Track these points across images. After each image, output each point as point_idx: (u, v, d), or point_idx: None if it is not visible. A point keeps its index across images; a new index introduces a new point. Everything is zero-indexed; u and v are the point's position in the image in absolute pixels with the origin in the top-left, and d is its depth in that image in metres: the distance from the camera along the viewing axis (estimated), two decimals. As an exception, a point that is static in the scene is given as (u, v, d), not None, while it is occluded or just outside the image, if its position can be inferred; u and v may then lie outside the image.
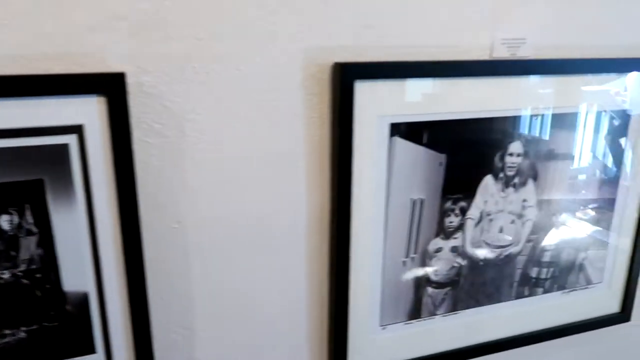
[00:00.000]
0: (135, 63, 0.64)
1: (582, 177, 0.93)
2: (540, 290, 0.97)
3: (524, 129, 0.85)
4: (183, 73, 0.67)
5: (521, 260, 0.94)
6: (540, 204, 0.91)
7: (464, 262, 0.89)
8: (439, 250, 0.86)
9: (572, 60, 0.85)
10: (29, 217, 0.63)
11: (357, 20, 0.73)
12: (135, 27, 0.63)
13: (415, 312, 0.89)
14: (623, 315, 1.07)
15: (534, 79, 0.83)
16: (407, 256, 0.84)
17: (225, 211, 0.74)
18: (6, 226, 0.62)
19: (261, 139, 0.73)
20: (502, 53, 0.82)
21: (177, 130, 0.68)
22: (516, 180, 0.88)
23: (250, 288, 0.79)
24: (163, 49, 0.65)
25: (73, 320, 0.68)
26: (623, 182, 0.97)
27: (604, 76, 0.88)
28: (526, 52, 0.84)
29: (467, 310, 0.92)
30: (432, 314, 0.90)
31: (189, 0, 0.64)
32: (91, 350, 0.71)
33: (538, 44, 0.84)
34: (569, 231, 0.96)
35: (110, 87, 0.61)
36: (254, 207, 0.75)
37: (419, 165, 0.80)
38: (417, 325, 0.89)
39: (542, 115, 0.86)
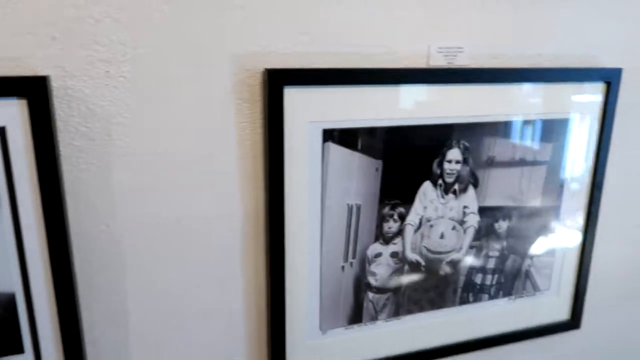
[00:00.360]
0: (61, 67, 0.65)
1: (524, 184, 0.94)
2: (485, 296, 0.98)
3: (462, 136, 0.86)
4: (108, 77, 0.68)
5: (464, 266, 0.94)
6: (482, 210, 0.92)
7: (405, 268, 0.89)
8: (378, 255, 0.87)
9: (509, 69, 0.87)
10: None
11: (291, 26, 0.74)
12: (61, 31, 0.64)
13: (357, 317, 0.89)
14: (573, 323, 1.07)
15: (470, 87, 0.84)
16: (345, 261, 0.85)
17: (155, 214, 0.75)
18: None
19: (191, 144, 0.74)
20: (439, 61, 0.83)
21: (104, 134, 0.69)
22: (456, 187, 0.89)
23: (184, 293, 0.79)
24: (88, 53, 0.66)
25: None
26: (567, 189, 0.98)
27: (541, 85, 0.89)
28: (463, 61, 0.85)
29: (410, 316, 0.93)
30: (374, 319, 0.90)
31: (115, 5, 0.65)
32: (19, 350, 0.71)
33: (475, 53, 0.85)
34: (514, 238, 0.96)
35: (31, 90, 0.62)
36: (185, 211, 0.76)
37: (355, 171, 0.81)
38: (359, 330, 0.90)
39: (481, 123, 0.87)
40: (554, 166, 0.95)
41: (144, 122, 0.71)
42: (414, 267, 0.90)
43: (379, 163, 0.82)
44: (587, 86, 0.94)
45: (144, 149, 0.72)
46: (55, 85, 0.66)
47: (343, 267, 0.85)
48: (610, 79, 0.94)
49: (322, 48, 0.76)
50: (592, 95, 0.94)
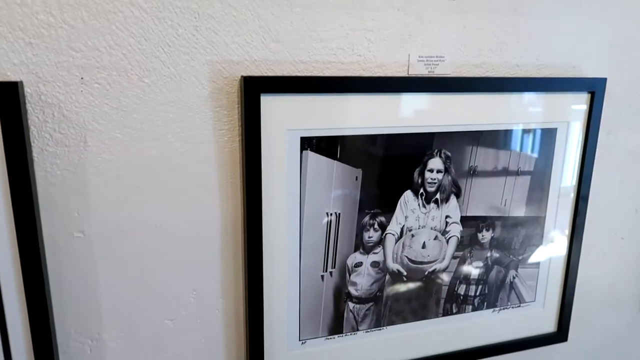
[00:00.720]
0: (35, 73, 0.65)
1: (508, 194, 0.93)
2: (469, 307, 0.97)
3: (443, 145, 0.86)
4: (83, 84, 0.67)
5: (447, 276, 0.93)
6: (465, 220, 0.91)
7: (386, 277, 0.89)
8: (358, 265, 0.86)
9: (490, 78, 0.86)
10: None
11: (267, 34, 0.74)
12: (35, 37, 0.64)
13: (337, 328, 0.88)
14: (560, 335, 1.06)
15: (452, 96, 0.84)
16: (325, 271, 0.84)
17: (132, 221, 0.74)
18: None
19: (168, 150, 0.73)
20: (419, 70, 0.83)
21: (79, 140, 0.69)
22: (438, 196, 0.88)
23: (161, 302, 0.78)
24: (62, 59, 0.66)
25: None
26: (552, 199, 0.97)
27: (524, 95, 0.89)
28: (445, 70, 0.85)
29: (392, 327, 0.92)
30: (355, 329, 0.89)
31: (90, 11, 0.65)
32: (-10, 359, 0.71)
33: (457, 61, 0.85)
34: (498, 248, 0.95)
35: (3, 96, 0.62)
36: (163, 218, 0.75)
37: (334, 179, 0.81)
38: (339, 340, 0.89)
39: (462, 132, 0.86)
40: (538, 176, 0.95)
41: (121, 129, 0.70)
42: (396, 277, 0.89)
43: (358, 171, 0.82)
44: (571, 96, 0.93)
45: (120, 155, 0.71)
46: (28, 91, 0.65)
47: (323, 277, 0.84)
48: (594, 89, 0.94)
49: (298, 56, 0.76)
50: (576, 105, 0.94)
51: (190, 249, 0.78)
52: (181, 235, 0.77)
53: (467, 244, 0.93)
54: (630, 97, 1.01)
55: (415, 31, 0.82)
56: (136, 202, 0.73)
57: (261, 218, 0.77)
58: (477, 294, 0.97)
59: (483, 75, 0.87)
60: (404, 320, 0.93)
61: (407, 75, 0.83)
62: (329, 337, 0.88)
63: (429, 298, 0.93)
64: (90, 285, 0.74)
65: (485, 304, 0.98)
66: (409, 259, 0.89)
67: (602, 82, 0.94)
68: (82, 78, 0.67)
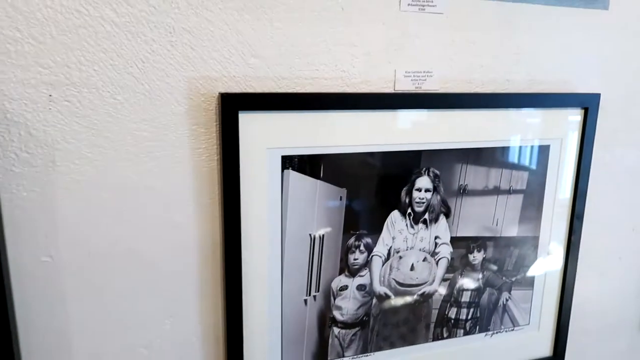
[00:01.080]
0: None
1: (500, 213, 0.90)
2: (460, 332, 0.93)
3: (431, 163, 0.83)
4: (52, 101, 0.64)
5: (437, 299, 0.90)
6: (455, 241, 0.88)
7: (373, 301, 0.85)
8: (344, 288, 0.83)
9: (480, 94, 0.84)
10: None
11: (247, 49, 0.71)
12: (0, 53, 0.61)
13: (322, 354, 0.84)
14: (556, 359, 1.02)
15: (440, 113, 0.81)
16: (308, 294, 0.81)
17: (104, 244, 0.71)
18: None
19: (142, 170, 0.70)
20: (406, 86, 0.80)
21: (47, 160, 0.66)
22: (426, 216, 0.85)
23: (135, 330, 0.75)
24: (30, 76, 0.63)
25: None
26: (546, 218, 0.94)
27: (515, 111, 0.86)
28: (432, 86, 0.82)
29: (379, 352, 0.88)
30: (340, 355, 0.85)
31: (59, 26, 0.63)
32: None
33: (445, 77, 0.82)
34: (490, 270, 0.92)
35: (-36, 115, 0.59)
36: (137, 242, 0.72)
37: (317, 199, 0.77)
38: (324, 367, 0.85)
39: (451, 150, 0.83)
40: (531, 195, 0.92)
41: (91, 148, 0.67)
42: (383, 300, 0.86)
43: (343, 191, 0.79)
44: (565, 112, 0.91)
45: (91, 176, 0.68)
46: (-7, 109, 0.62)
47: (306, 301, 0.81)
48: (588, 105, 0.91)
49: (279, 72, 0.73)
50: (569, 121, 0.91)
51: (166, 273, 0.74)
52: (156, 259, 0.73)
53: (458, 266, 0.89)
54: (625, 112, 0.98)
55: (401, 45, 0.79)
56: (108, 224, 0.70)
57: (240, 241, 0.74)
58: (469, 317, 0.93)
59: (472, 91, 0.85)
60: (392, 345, 0.89)
61: (393, 92, 0.80)
62: (313, 363, 0.84)
63: (418, 322, 0.90)
64: (59, 312, 0.71)
65: (478, 327, 0.94)
66: (397, 282, 0.86)
67: (595, 97, 0.92)
68: (50, 95, 0.64)
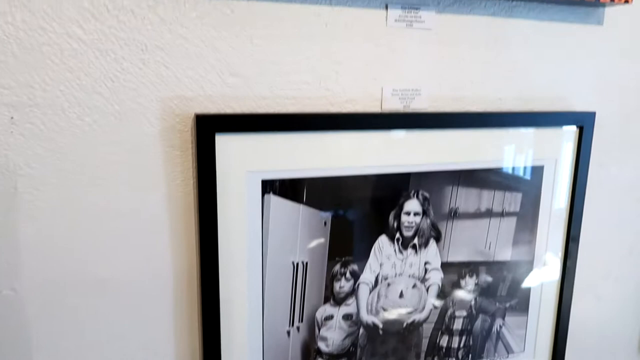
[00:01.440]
0: (-44, 112, 0.58)
1: (492, 237, 0.86)
2: (452, 360, 0.89)
3: (420, 186, 0.79)
4: (13, 123, 0.60)
5: (428, 328, 0.85)
6: (446, 266, 0.84)
7: (360, 331, 0.81)
8: (329, 318, 0.78)
9: (471, 113, 0.80)
10: None
11: (225, 67, 0.67)
12: (-45, 73, 0.57)
13: (306, 387, 0.80)
14: (552, 387, 0.98)
15: (429, 133, 0.77)
16: (291, 325, 0.76)
17: (72, 275, 0.66)
18: None
19: (114, 196, 0.66)
20: (394, 105, 0.77)
21: (9, 186, 0.62)
22: (416, 241, 0.81)
23: (105, 362, 0.70)
24: (-12, 98, 0.59)
25: None
26: (540, 241, 0.90)
27: (508, 130, 0.83)
28: (421, 104, 0.78)
29: (367, 384, 0.83)
30: (326, 388, 0.81)
31: (22, 44, 0.59)
32: None
33: (434, 95, 0.79)
34: (482, 296, 0.88)
35: None
36: (107, 272, 0.67)
37: (300, 225, 0.73)
38: (309, 401, 0.80)
39: (441, 172, 0.79)
40: (525, 217, 0.88)
41: (56, 173, 0.63)
42: (371, 330, 0.81)
43: (327, 216, 0.75)
44: (559, 131, 0.87)
45: (57, 203, 0.64)
46: (-51, 132, 0.58)
47: (289, 332, 0.76)
48: (583, 124, 0.88)
49: (259, 92, 0.70)
50: (564, 140, 0.88)
51: (139, 305, 0.70)
52: (128, 289, 0.69)
53: (449, 292, 0.85)
54: (621, 131, 0.95)
55: (388, 62, 0.75)
56: (75, 254, 0.66)
57: (218, 270, 0.69)
58: (461, 345, 0.89)
59: (463, 110, 0.81)
60: (381, 376, 0.84)
61: (380, 112, 0.76)
62: (297, 397, 0.79)
63: (408, 352, 0.85)
64: (23, 348, 0.66)
65: (470, 356, 0.90)
66: (386, 310, 0.81)
67: (591, 116, 0.88)
68: (12, 117, 0.60)
